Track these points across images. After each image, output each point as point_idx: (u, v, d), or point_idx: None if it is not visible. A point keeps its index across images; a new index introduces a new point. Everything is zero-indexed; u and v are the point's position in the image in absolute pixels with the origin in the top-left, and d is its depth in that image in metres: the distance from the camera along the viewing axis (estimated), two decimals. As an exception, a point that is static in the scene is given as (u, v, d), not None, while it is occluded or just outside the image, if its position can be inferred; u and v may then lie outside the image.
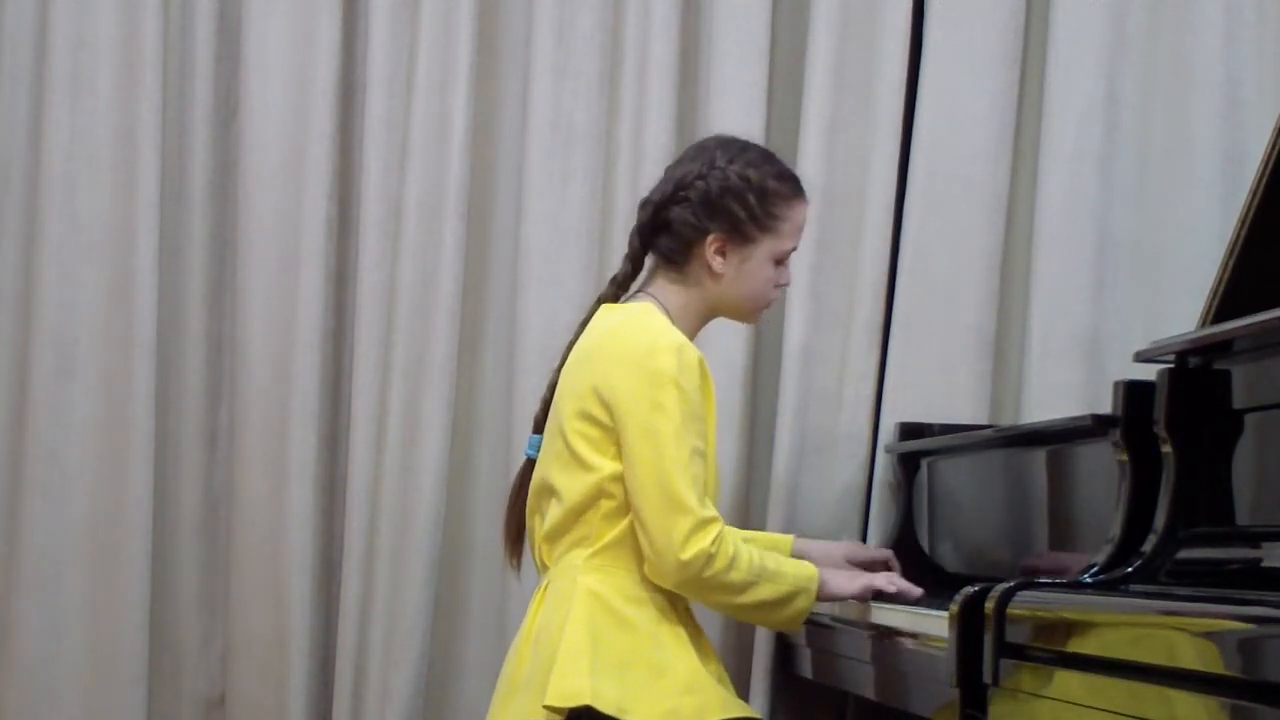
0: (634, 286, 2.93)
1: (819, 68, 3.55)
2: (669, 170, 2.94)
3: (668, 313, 2.86)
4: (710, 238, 2.86)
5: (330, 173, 3.64)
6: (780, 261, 2.90)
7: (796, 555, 3.03)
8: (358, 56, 3.69)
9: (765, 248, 2.88)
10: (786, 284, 2.96)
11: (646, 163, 3.57)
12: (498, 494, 3.62)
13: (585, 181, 3.64)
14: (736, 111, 3.56)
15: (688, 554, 2.68)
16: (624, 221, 3.59)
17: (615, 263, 3.56)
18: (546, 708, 2.67)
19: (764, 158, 2.91)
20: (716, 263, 2.86)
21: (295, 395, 3.61)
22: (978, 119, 3.55)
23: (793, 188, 2.91)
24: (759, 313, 2.97)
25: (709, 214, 2.85)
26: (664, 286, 2.89)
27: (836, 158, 3.53)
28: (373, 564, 3.59)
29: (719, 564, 2.70)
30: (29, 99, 3.67)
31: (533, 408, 3.52)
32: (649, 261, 2.93)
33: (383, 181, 3.63)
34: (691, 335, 2.85)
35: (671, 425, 2.70)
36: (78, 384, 3.64)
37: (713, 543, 2.69)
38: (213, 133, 3.71)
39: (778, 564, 2.79)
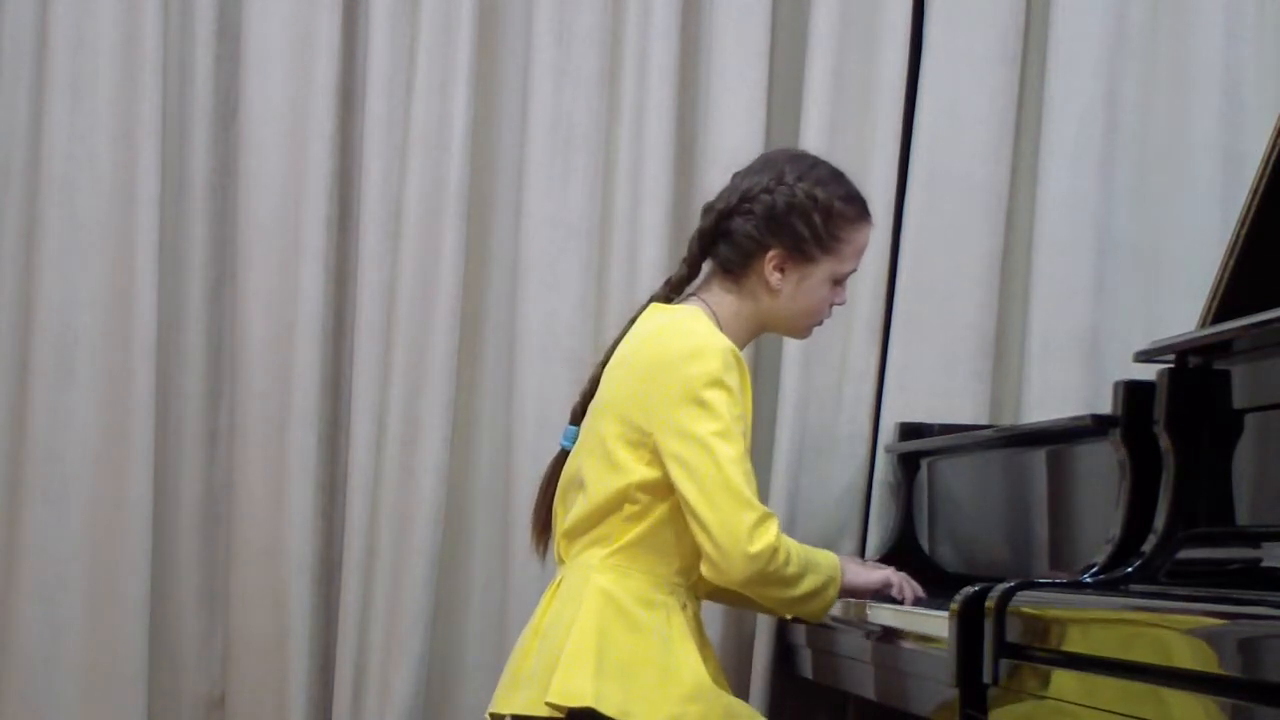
0: (689, 290, 2.92)
1: (819, 68, 3.55)
2: (735, 179, 2.91)
3: (717, 319, 2.84)
4: (771, 253, 2.84)
5: (330, 173, 3.64)
6: (838, 282, 2.89)
7: None
8: (358, 56, 3.69)
9: (825, 268, 2.86)
10: (842, 303, 2.93)
11: (646, 163, 3.58)
12: (498, 494, 3.62)
13: (585, 181, 3.64)
14: (736, 111, 3.56)
15: (755, 547, 2.68)
16: (624, 221, 3.60)
17: (616, 263, 3.59)
18: (548, 704, 2.67)
19: (833, 177, 2.89)
20: (774, 279, 2.84)
21: (295, 395, 3.61)
22: (977, 119, 3.56)
23: (859, 210, 2.89)
24: (810, 330, 2.96)
25: (772, 229, 2.84)
26: (718, 294, 2.88)
27: (836, 158, 3.50)
28: (373, 564, 3.59)
29: (781, 557, 2.70)
30: (29, 99, 3.67)
31: (533, 407, 3.55)
32: (706, 267, 2.91)
33: (383, 181, 3.63)
34: (740, 345, 2.83)
35: (721, 425, 2.69)
36: (78, 384, 3.63)
37: (776, 537, 2.70)
38: (213, 133, 3.71)
39: (812, 554, 2.80)
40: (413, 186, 3.61)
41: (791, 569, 2.72)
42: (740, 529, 2.68)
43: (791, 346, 3.50)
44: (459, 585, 3.66)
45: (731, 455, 2.69)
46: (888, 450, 3.51)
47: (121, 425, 3.62)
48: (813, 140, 3.51)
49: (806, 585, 2.76)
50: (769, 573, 2.70)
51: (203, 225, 3.70)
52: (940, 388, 3.52)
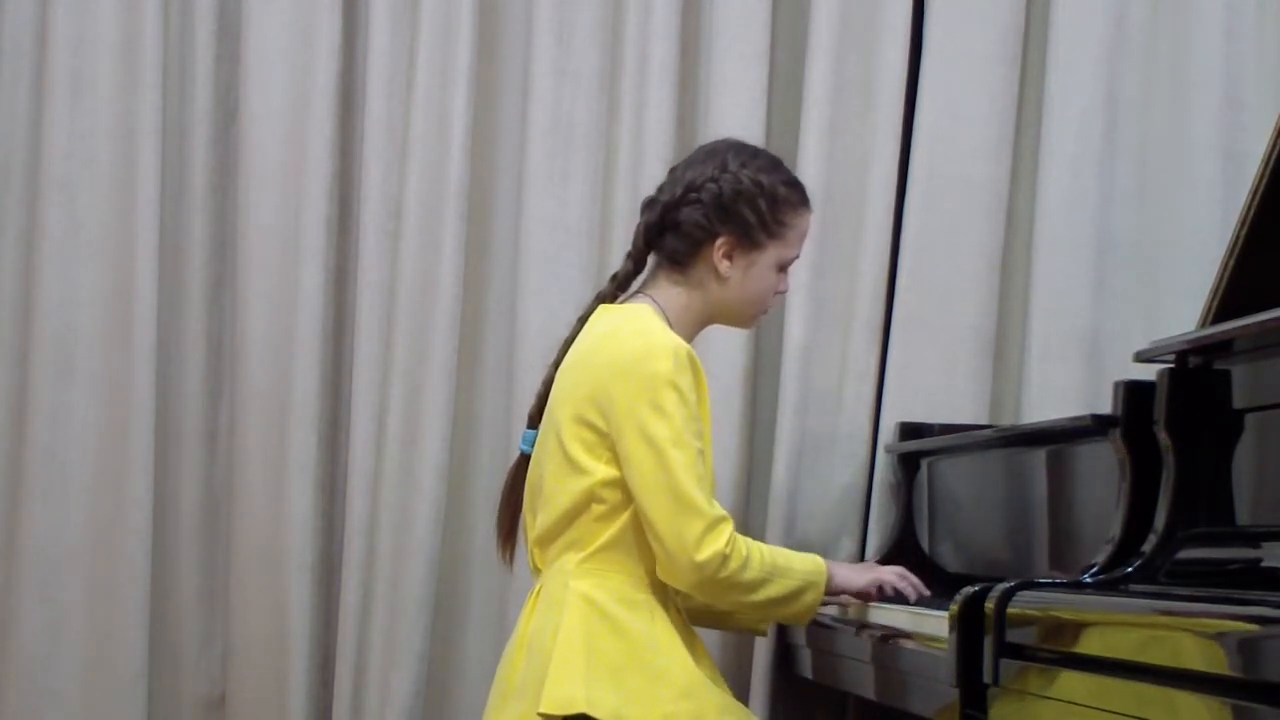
0: (634, 286, 2.93)
1: (819, 68, 3.55)
2: (676, 172, 2.93)
3: (666, 314, 2.85)
4: (719, 241, 2.85)
5: (330, 173, 3.64)
6: (783, 268, 2.91)
7: None
8: (358, 56, 3.69)
9: (771, 254, 2.88)
10: (785, 290, 2.96)
11: (646, 163, 3.58)
12: (497, 494, 3.60)
13: (585, 181, 3.64)
14: (736, 111, 3.56)
15: (703, 555, 2.68)
16: (624, 221, 3.59)
17: (615, 263, 3.57)
18: (541, 715, 2.66)
19: (773, 164, 2.92)
20: (723, 266, 2.85)
21: (295, 395, 3.61)
22: (977, 119, 3.55)
23: (800, 196, 2.92)
24: (757, 319, 2.98)
25: (720, 217, 2.85)
26: (665, 288, 2.89)
27: (836, 158, 3.53)
28: (373, 564, 3.59)
29: (733, 564, 2.70)
30: (29, 99, 3.68)
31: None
32: (651, 261, 2.93)
33: (383, 181, 3.63)
34: (689, 338, 2.84)
35: (673, 429, 2.69)
36: (78, 384, 3.64)
37: (726, 543, 2.69)
38: (213, 133, 3.71)
39: (787, 560, 2.79)
40: (413, 186, 3.61)
41: (750, 574, 2.72)
42: (689, 536, 2.68)
43: (792, 346, 3.50)
44: (459, 585, 3.66)
45: (682, 461, 2.68)
46: (888, 450, 3.51)
47: (121, 425, 3.62)
48: (813, 140, 3.51)
49: (772, 590, 2.75)
50: (720, 579, 2.70)
51: (203, 225, 3.70)
52: (940, 388, 3.52)
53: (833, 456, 3.54)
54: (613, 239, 3.61)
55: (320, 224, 3.62)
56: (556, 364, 2.91)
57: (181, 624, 3.69)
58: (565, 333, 3.56)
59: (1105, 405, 2.59)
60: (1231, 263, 2.69)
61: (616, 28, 3.65)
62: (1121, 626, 2.05)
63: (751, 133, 3.54)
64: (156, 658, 3.65)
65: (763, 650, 3.43)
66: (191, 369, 3.70)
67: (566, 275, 3.61)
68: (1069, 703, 2.12)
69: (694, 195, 2.86)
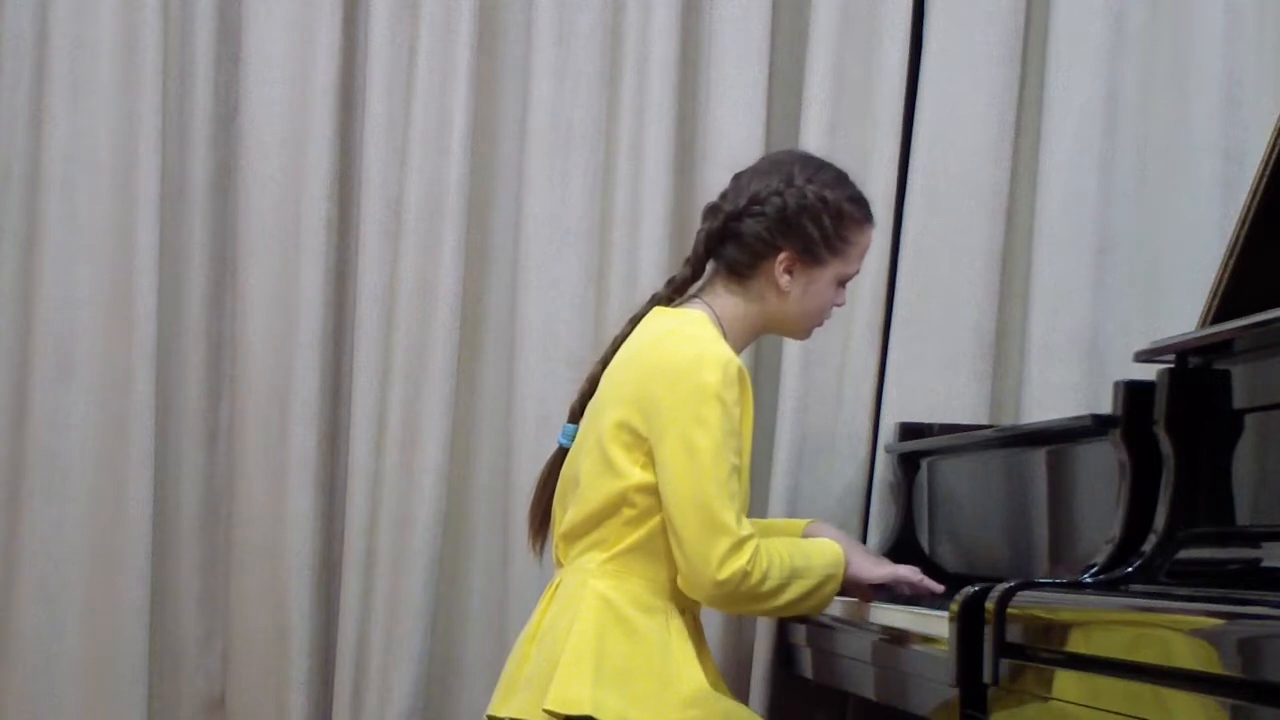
0: (690, 291, 2.92)
1: (819, 68, 3.55)
2: (740, 180, 2.90)
3: (720, 322, 2.84)
4: (781, 255, 2.83)
5: (330, 173, 3.64)
6: (841, 284, 2.90)
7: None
8: (358, 56, 3.69)
9: (832, 269, 2.86)
10: (841, 304, 2.94)
11: (646, 163, 3.58)
12: (498, 494, 3.62)
13: (585, 181, 3.64)
14: (736, 111, 3.56)
15: (724, 574, 2.67)
16: (624, 221, 3.60)
17: (616, 263, 3.59)
18: (546, 712, 2.66)
19: (839, 179, 2.89)
20: (784, 280, 2.84)
21: (295, 395, 3.61)
22: (977, 118, 3.56)
23: (865, 212, 2.90)
24: (810, 332, 2.96)
25: (783, 231, 2.83)
26: (722, 295, 2.87)
27: (836, 158, 3.51)
28: (373, 564, 3.59)
29: (754, 579, 2.69)
30: (29, 99, 3.67)
31: (533, 407, 3.55)
32: (709, 267, 2.90)
33: (383, 181, 3.63)
34: (740, 347, 2.83)
35: (713, 442, 2.68)
36: (78, 384, 3.64)
37: (749, 560, 2.68)
38: (213, 133, 3.71)
39: (805, 559, 2.78)
40: (413, 186, 3.61)
41: (768, 585, 2.71)
42: (712, 555, 2.67)
43: (792, 347, 3.50)
44: (459, 585, 3.66)
45: (717, 476, 2.67)
46: (888, 450, 3.51)
47: (121, 425, 3.62)
48: (813, 140, 3.51)
49: (791, 594, 2.74)
50: (740, 593, 2.69)
51: (203, 225, 3.70)
52: (940, 388, 3.52)
53: (833, 456, 3.54)
54: (613, 239, 3.61)
55: (320, 224, 3.62)
56: (604, 362, 2.89)
57: (181, 624, 3.69)
58: (566, 333, 3.58)
59: (1105, 405, 2.59)
60: (1231, 263, 2.69)
61: (616, 28, 3.65)
62: (1122, 626, 2.05)
63: (751, 132, 3.55)
64: (156, 658, 3.65)
65: (763, 650, 3.43)
66: (191, 369, 3.70)
67: (566, 275, 3.61)
68: (1069, 703, 2.12)
69: (757, 207, 2.84)
